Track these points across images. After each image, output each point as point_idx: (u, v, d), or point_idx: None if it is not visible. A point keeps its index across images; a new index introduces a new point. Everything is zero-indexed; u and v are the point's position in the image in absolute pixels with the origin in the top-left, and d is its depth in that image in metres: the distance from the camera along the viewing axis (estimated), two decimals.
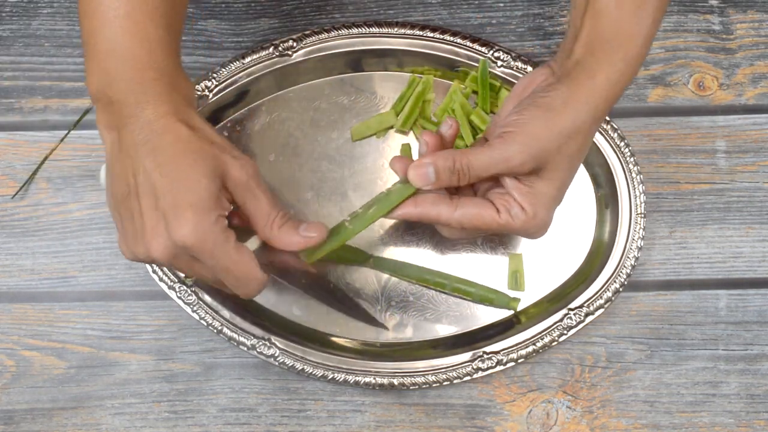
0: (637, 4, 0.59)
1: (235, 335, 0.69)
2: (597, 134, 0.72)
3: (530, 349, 0.69)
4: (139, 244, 0.57)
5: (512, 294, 0.71)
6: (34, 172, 0.74)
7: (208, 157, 0.56)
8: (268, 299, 0.72)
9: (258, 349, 0.69)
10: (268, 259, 0.60)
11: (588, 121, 0.59)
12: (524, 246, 0.72)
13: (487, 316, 0.72)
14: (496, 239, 0.72)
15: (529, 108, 0.59)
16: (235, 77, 0.72)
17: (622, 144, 0.71)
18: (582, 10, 0.60)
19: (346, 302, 0.69)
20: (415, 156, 0.73)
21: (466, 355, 0.69)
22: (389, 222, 0.72)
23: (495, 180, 0.60)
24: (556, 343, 0.70)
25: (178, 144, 0.56)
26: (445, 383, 0.69)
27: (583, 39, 0.60)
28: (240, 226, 0.61)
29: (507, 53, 0.73)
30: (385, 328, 0.69)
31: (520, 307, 0.71)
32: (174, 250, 0.56)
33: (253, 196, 0.58)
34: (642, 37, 0.60)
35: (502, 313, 0.72)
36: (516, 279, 0.72)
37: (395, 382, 0.69)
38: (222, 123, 0.74)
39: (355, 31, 0.73)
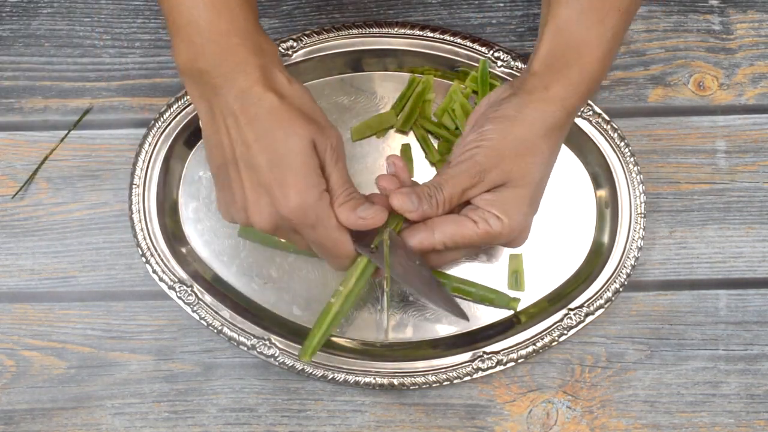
0: (597, 20, 0.60)
1: (235, 335, 0.69)
2: (597, 134, 0.72)
3: (530, 349, 0.69)
4: (239, 211, 0.59)
5: (512, 294, 0.71)
6: (34, 172, 0.74)
7: (301, 129, 0.57)
8: (268, 299, 0.72)
9: (258, 349, 0.69)
10: (362, 235, 0.61)
11: (543, 128, 0.61)
12: (524, 246, 0.72)
13: (487, 316, 0.72)
14: None
15: (485, 123, 0.61)
16: None
17: (622, 144, 0.71)
18: (542, 25, 0.62)
19: (433, 286, 0.64)
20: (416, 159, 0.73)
21: (466, 355, 0.69)
22: None
23: (468, 202, 0.62)
24: (556, 343, 0.70)
25: (270, 116, 0.57)
26: (445, 383, 0.69)
27: (541, 53, 0.61)
28: None
29: (507, 53, 0.73)
30: (466, 319, 0.68)
31: (520, 307, 0.71)
32: (277, 222, 0.58)
33: (329, 169, 0.60)
34: (601, 52, 0.61)
35: (502, 313, 0.71)
36: (516, 279, 0.72)
37: (395, 382, 0.69)
38: None
39: (355, 31, 0.73)
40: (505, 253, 0.72)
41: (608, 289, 0.70)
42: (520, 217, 0.62)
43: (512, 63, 0.73)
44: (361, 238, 0.61)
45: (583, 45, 0.60)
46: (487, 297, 0.71)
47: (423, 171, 0.73)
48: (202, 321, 0.70)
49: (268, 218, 0.58)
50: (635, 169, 0.71)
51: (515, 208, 0.61)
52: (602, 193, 0.72)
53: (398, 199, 0.61)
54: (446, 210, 0.61)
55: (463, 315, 0.66)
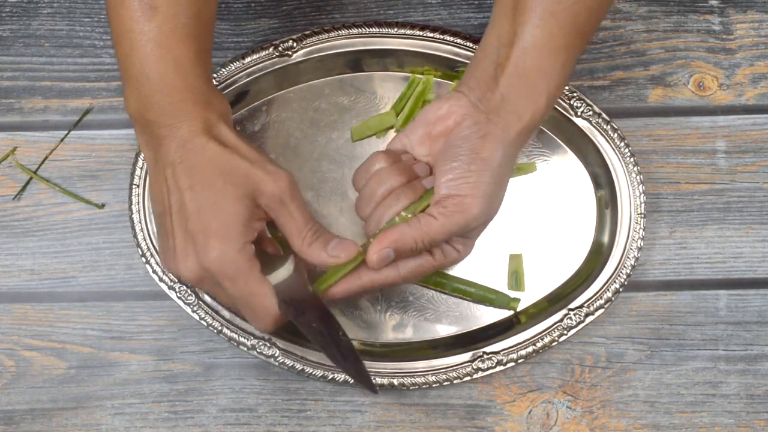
0: (564, 45, 0.59)
1: (235, 335, 0.69)
2: (597, 134, 0.72)
3: (530, 349, 0.69)
4: (170, 262, 0.59)
5: (512, 294, 0.71)
6: (34, 172, 0.74)
7: (240, 177, 0.57)
8: None
9: (258, 349, 0.69)
10: (288, 297, 0.61)
11: (512, 158, 0.61)
12: (524, 246, 0.72)
13: (487, 316, 0.72)
14: (496, 239, 0.72)
15: (475, 162, 0.59)
16: (235, 77, 0.72)
17: (622, 144, 0.71)
18: (507, 41, 0.59)
19: (349, 356, 0.63)
20: None
21: (466, 356, 0.69)
22: None
23: None
24: (556, 343, 0.70)
25: (210, 164, 0.58)
26: (445, 383, 0.69)
27: (508, 72, 0.59)
28: (272, 254, 0.62)
29: None
30: (375, 392, 0.65)
31: (520, 307, 0.71)
32: (200, 274, 0.58)
33: (286, 212, 0.59)
34: (563, 75, 0.60)
35: (502, 313, 0.71)
36: (516, 279, 0.72)
37: (395, 382, 0.69)
38: None
39: (355, 31, 0.73)
40: (505, 253, 0.72)
41: (608, 289, 0.70)
42: (473, 244, 0.63)
43: None
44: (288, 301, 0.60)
45: (550, 70, 0.60)
46: (487, 297, 0.71)
47: None
48: (202, 321, 0.70)
49: (192, 268, 0.58)
50: (635, 169, 0.71)
51: (473, 239, 0.63)
52: (602, 193, 0.72)
53: (375, 257, 0.59)
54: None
55: (372, 388, 0.63)
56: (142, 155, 0.71)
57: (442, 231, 0.59)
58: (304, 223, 0.60)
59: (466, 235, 0.61)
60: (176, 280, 0.69)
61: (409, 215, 0.60)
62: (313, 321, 0.60)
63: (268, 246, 0.63)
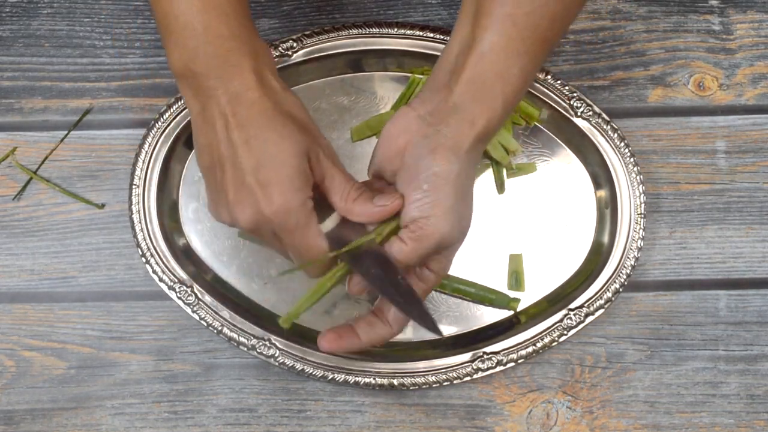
0: (523, 50, 0.58)
1: (235, 335, 0.69)
2: (597, 134, 0.72)
3: (530, 349, 0.69)
4: (223, 211, 0.59)
5: (512, 294, 0.71)
6: (34, 172, 0.74)
7: (294, 135, 0.57)
8: (268, 299, 0.72)
9: (258, 349, 0.69)
10: (343, 244, 0.60)
11: (473, 169, 0.60)
12: (524, 246, 0.72)
13: (487, 316, 0.72)
14: (496, 238, 0.72)
15: (430, 180, 0.58)
16: None
17: (622, 144, 0.71)
18: (466, 47, 0.58)
19: (409, 298, 0.61)
20: None
21: (466, 356, 0.69)
22: None
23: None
24: (556, 343, 0.70)
25: (264, 119, 0.57)
26: (445, 383, 0.69)
27: (464, 78, 0.58)
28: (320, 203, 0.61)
29: None
30: (439, 334, 0.63)
31: (520, 307, 0.71)
32: (259, 223, 0.58)
33: (330, 173, 0.59)
34: (522, 80, 0.59)
35: (502, 313, 0.72)
36: (516, 279, 0.72)
37: (395, 382, 0.69)
38: None
39: (355, 31, 0.73)
40: (505, 253, 0.72)
41: (608, 290, 0.70)
42: (449, 265, 0.62)
43: None
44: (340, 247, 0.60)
45: (507, 75, 0.58)
46: (487, 297, 0.71)
47: None
48: (202, 321, 0.70)
49: (250, 218, 0.58)
50: (635, 169, 0.71)
51: (450, 257, 0.62)
52: (602, 193, 0.72)
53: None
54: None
55: (437, 331, 0.61)
56: (142, 153, 0.71)
57: (414, 255, 0.58)
58: (345, 181, 0.60)
59: (441, 254, 0.61)
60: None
61: (378, 237, 0.59)
62: (371, 266, 0.59)
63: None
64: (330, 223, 0.61)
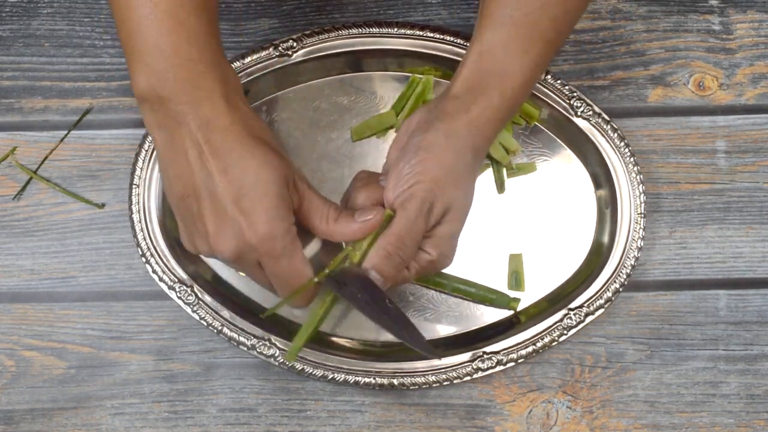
0: (522, 49, 0.60)
1: (235, 335, 0.69)
2: (597, 134, 0.72)
3: (530, 349, 0.69)
4: (201, 242, 0.58)
5: (512, 294, 0.71)
6: (34, 172, 0.74)
7: (272, 161, 0.57)
8: (268, 299, 0.72)
9: (258, 349, 0.69)
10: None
11: (470, 155, 0.60)
12: (524, 246, 0.72)
13: (487, 316, 0.72)
14: (495, 238, 0.72)
15: (418, 152, 0.59)
16: None
17: (622, 144, 0.71)
18: (468, 49, 0.62)
19: (400, 322, 0.61)
20: None
21: (466, 355, 0.69)
22: None
23: None
24: (556, 343, 0.70)
25: (240, 146, 0.56)
26: (445, 383, 0.69)
27: (463, 76, 0.61)
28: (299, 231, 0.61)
29: None
30: (437, 357, 0.66)
31: (520, 307, 0.71)
32: (242, 252, 0.57)
33: (308, 197, 0.59)
34: (522, 78, 0.61)
35: (502, 313, 0.71)
36: (516, 279, 0.72)
37: (395, 382, 0.69)
38: None
39: (355, 31, 0.73)
40: (505, 253, 0.72)
41: (608, 289, 0.70)
42: (448, 249, 0.62)
43: None
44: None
45: (505, 72, 0.60)
46: (487, 297, 0.71)
47: None
48: (202, 321, 0.70)
49: (233, 248, 0.57)
50: (635, 169, 0.71)
51: (447, 242, 0.62)
52: (602, 193, 0.72)
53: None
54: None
55: (432, 352, 0.62)
56: (142, 153, 0.71)
57: (405, 225, 0.59)
58: (323, 202, 0.60)
59: (434, 234, 0.61)
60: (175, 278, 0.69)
61: (357, 253, 0.60)
62: (357, 292, 0.59)
63: None
64: (311, 249, 0.60)
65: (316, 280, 0.59)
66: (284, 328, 0.70)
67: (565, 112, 0.72)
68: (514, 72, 0.60)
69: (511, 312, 0.71)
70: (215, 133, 0.56)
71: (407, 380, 0.69)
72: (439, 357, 0.62)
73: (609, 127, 0.72)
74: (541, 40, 0.60)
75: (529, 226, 0.72)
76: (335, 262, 0.60)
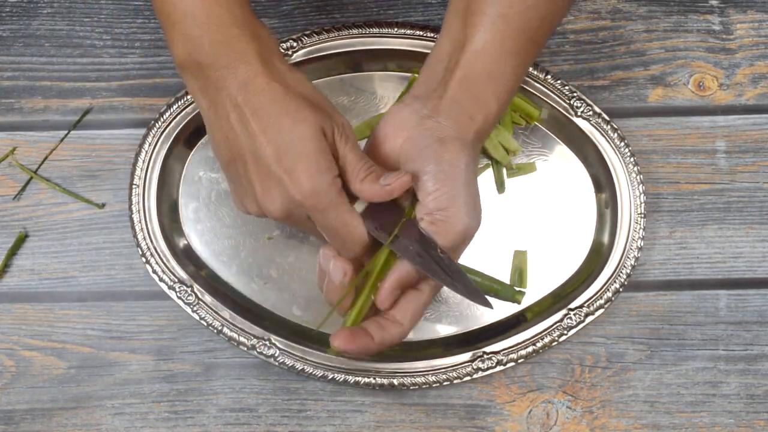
0: (515, 50, 0.59)
1: (235, 335, 0.69)
2: (597, 134, 0.72)
3: (530, 349, 0.69)
4: (251, 203, 0.59)
5: (517, 288, 0.71)
6: (34, 172, 0.74)
7: (308, 116, 0.57)
8: (267, 299, 0.72)
9: (258, 349, 0.69)
10: (378, 223, 0.61)
11: (475, 159, 0.61)
12: (524, 246, 0.72)
13: (487, 316, 0.72)
14: (495, 238, 0.72)
15: (444, 171, 0.59)
16: None
17: (622, 144, 0.71)
18: (459, 45, 0.60)
19: (452, 272, 0.61)
20: None
21: (466, 355, 0.69)
22: None
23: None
24: (556, 343, 0.70)
25: (275, 105, 0.57)
26: (445, 383, 0.69)
27: (458, 76, 0.60)
28: None
29: None
30: (489, 306, 0.63)
31: (520, 307, 0.71)
32: (290, 210, 0.58)
33: (342, 152, 0.59)
34: (514, 81, 0.60)
35: (502, 313, 0.71)
36: (519, 276, 0.71)
37: (395, 382, 0.69)
38: None
39: (355, 31, 0.73)
40: (505, 253, 0.72)
41: (608, 289, 0.70)
42: (462, 247, 0.62)
43: None
44: (379, 227, 0.60)
45: (500, 74, 0.60)
46: (492, 287, 0.71)
47: None
48: (202, 321, 0.70)
49: (280, 206, 0.58)
50: (635, 169, 0.71)
51: (457, 254, 0.62)
52: (602, 193, 0.72)
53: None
54: None
55: (486, 303, 0.62)
56: (142, 153, 0.71)
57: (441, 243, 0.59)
58: (357, 161, 0.59)
59: (459, 248, 0.61)
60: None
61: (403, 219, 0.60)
62: (409, 244, 0.60)
63: None
64: (359, 205, 0.60)
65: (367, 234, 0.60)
66: (284, 328, 0.70)
67: (565, 112, 0.72)
68: (508, 74, 0.60)
69: (512, 312, 0.71)
70: (253, 95, 0.57)
71: (407, 380, 0.69)
72: (491, 307, 0.62)
73: (609, 127, 0.72)
74: (530, 39, 0.60)
75: (529, 225, 0.72)
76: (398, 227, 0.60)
